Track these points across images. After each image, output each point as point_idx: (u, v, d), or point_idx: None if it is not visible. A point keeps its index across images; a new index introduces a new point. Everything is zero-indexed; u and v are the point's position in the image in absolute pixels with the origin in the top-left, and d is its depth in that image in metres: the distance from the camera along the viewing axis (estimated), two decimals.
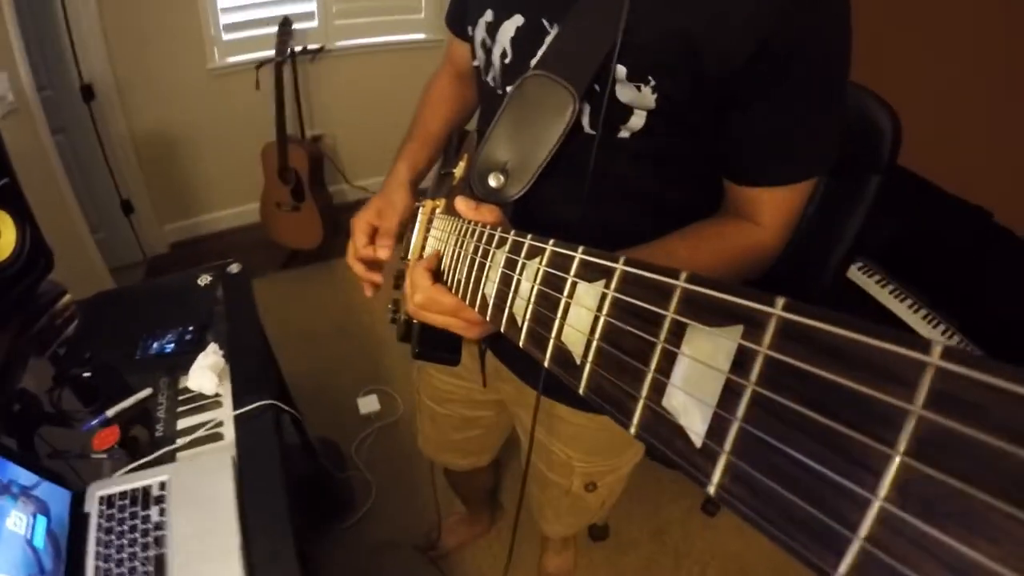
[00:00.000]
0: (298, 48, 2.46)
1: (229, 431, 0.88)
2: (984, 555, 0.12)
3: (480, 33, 0.62)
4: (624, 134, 0.56)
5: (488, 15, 0.60)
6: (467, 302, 0.45)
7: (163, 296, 1.20)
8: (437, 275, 0.53)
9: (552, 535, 1.12)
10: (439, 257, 0.54)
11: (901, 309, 1.53)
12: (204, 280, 1.20)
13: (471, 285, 0.44)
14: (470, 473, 1.21)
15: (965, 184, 1.49)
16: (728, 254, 0.57)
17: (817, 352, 0.16)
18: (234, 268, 1.24)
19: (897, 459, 0.14)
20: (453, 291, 0.50)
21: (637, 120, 0.54)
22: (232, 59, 2.50)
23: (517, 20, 0.57)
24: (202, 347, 0.98)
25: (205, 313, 1.09)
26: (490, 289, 0.39)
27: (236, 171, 2.69)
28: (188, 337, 1.04)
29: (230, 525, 0.70)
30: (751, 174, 0.57)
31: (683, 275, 0.21)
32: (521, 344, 0.33)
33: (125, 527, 0.73)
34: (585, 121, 0.56)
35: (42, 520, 0.71)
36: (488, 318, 0.39)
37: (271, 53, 2.33)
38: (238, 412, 0.89)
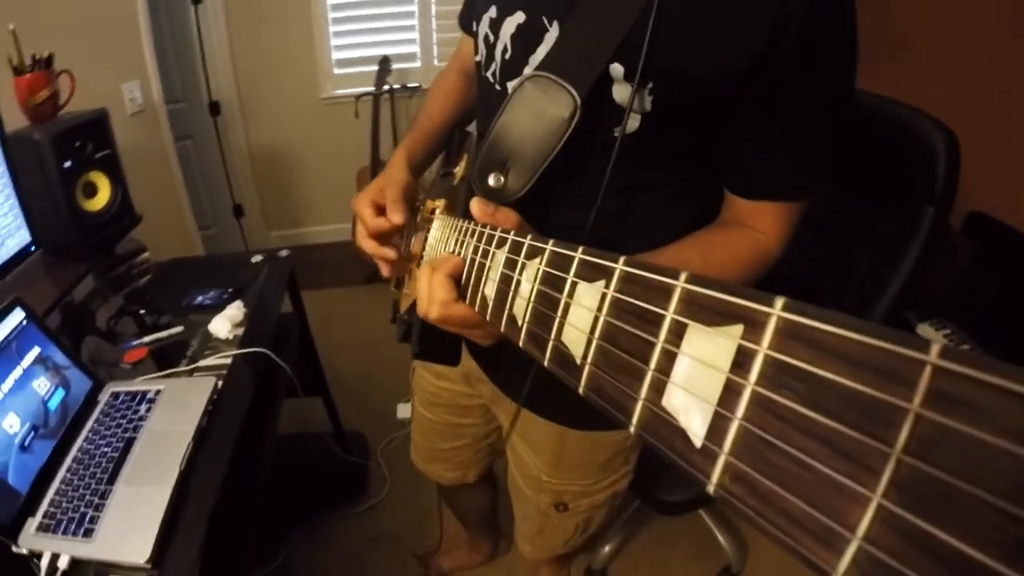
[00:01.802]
0: (398, 85, 2.57)
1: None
2: (983, 553, 0.11)
3: (484, 29, 0.60)
4: (617, 134, 0.52)
5: (492, 11, 0.58)
6: (467, 302, 0.43)
7: (222, 266, 1.37)
8: (458, 282, 0.46)
9: (527, 555, 1.04)
10: (463, 263, 0.45)
11: None
12: (256, 259, 1.36)
13: (471, 285, 0.42)
14: (459, 489, 1.15)
15: None
16: (740, 261, 0.55)
17: (817, 351, 0.15)
18: (283, 253, 1.38)
19: (896, 458, 0.13)
20: None
21: (631, 122, 0.52)
22: (340, 91, 2.63)
23: (519, 17, 0.55)
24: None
25: (247, 282, 1.25)
26: (490, 289, 0.37)
27: (337, 191, 2.80)
28: (224, 296, 1.20)
29: (190, 427, 0.83)
30: (757, 190, 0.54)
31: (683, 275, 0.20)
32: (521, 344, 0.32)
33: (118, 415, 0.88)
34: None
35: (61, 392, 0.87)
36: (488, 318, 0.37)
37: (373, 88, 2.49)
38: (236, 352, 1.03)
